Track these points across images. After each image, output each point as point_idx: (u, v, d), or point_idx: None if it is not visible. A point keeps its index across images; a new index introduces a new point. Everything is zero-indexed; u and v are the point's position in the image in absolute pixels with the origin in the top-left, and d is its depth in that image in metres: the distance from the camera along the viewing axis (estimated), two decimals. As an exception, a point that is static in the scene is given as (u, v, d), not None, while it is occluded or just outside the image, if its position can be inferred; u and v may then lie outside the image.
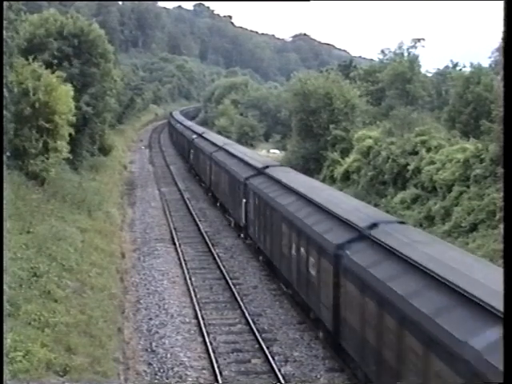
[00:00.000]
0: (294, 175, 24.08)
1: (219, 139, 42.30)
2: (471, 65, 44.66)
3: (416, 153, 31.38)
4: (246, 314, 18.02)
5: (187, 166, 51.02)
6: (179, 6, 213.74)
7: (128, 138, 69.36)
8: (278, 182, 22.33)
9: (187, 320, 17.69)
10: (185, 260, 23.80)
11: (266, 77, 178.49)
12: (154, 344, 15.88)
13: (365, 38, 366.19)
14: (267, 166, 25.78)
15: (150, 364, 14.79)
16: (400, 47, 56.40)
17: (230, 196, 29.18)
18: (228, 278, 21.41)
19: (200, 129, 54.23)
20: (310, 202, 18.21)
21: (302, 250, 16.85)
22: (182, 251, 25.01)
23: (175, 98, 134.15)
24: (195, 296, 19.59)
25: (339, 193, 20.95)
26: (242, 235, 26.52)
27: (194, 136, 48.17)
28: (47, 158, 23.99)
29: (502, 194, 18.97)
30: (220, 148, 36.38)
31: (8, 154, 19.80)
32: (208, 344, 15.81)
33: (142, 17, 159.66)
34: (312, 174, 36.58)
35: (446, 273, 10.37)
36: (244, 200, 25.11)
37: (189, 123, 65.43)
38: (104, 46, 33.35)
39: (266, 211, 21.61)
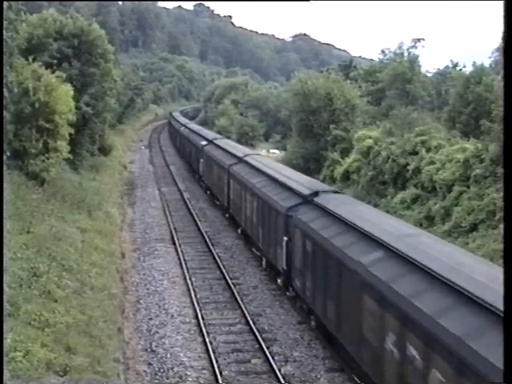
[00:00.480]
0: (360, 209, 16.76)
1: (238, 148, 35.59)
2: (474, 64, 44.64)
3: (416, 153, 31.39)
4: (246, 314, 18.02)
5: (187, 167, 50.94)
6: (179, 6, 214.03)
7: (128, 137, 69.37)
8: (340, 219, 15.60)
9: (187, 320, 17.69)
10: (185, 260, 23.79)
11: (266, 77, 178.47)
12: (154, 344, 15.87)
13: (365, 38, 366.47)
14: (316, 193, 18.88)
15: (150, 364, 14.78)
16: (400, 47, 56.41)
17: (260, 227, 22.76)
18: (228, 278, 21.40)
19: (211, 134, 47.68)
20: (413, 265, 11.25)
21: (413, 350, 9.97)
22: (182, 251, 25.01)
23: (175, 98, 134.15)
24: (195, 296, 19.58)
25: (454, 248, 13.37)
26: (279, 281, 20.21)
27: (204, 143, 41.40)
28: (47, 158, 23.98)
29: (501, 194, 18.96)
30: (241, 160, 29.84)
31: (8, 153, 19.78)
32: (208, 344, 15.81)
33: (142, 17, 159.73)
34: (312, 174, 36.57)
35: None
36: (285, 238, 18.67)
37: (196, 127, 61.44)
38: (104, 46, 33.28)
39: (326, 264, 14.91)
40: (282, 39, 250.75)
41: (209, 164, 37.18)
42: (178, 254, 24.72)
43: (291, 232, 18.39)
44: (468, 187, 26.28)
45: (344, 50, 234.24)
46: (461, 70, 52.91)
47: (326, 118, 42.46)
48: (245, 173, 26.79)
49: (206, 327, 17.01)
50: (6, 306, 12.06)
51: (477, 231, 23.74)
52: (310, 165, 41.80)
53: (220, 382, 13.91)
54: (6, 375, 9.71)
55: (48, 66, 26.51)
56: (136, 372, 14.20)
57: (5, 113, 18.40)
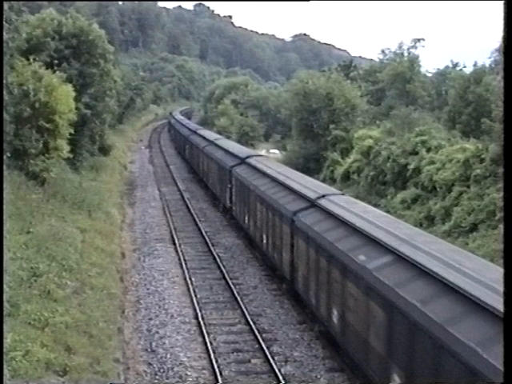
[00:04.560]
0: (272, 165, 27.42)
1: (212, 135, 44.76)
2: (475, 64, 44.62)
3: (416, 153, 31.39)
4: (246, 314, 18.01)
5: (187, 167, 50.96)
6: (179, 6, 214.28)
7: (128, 137, 69.34)
8: (257, 169, 26.20)
9: (187, 320, 17.68)
10: (185, 260, 23.78)
11: (266, 77, 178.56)
12: (153, 344, 15.86)
13: (365, 38, 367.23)
14: (248, 156, 30.22)
15: (150, 364, 14.77)
16: (400, 47, 56.53)
17: (217, 182, 31.68)
18: (228, 278, 21.40)
19: (195, 126, 55.84)
20: (288, 188, 21.14)
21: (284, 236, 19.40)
22: (182, 251, 25.00)
23: (175, 98, 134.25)
24: (195, 296, 19.57)
25: (321, 184, 23.52)
26: (227, 216, 29.49)
27: (189, 132, 50.43)
28: (48, 158, 23.95)
29: (501, 194, 18.95)
30: (211, 142, 39.33)
31: (8, 154, 19.76)
32: (208, 344, 15.80)
33: (142, 17, 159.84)
34: (312, 174, 36.56)
35: None
36: (229, 185, 29.80)
37: (186, 121, 65.77)
38: (104, 46, 33.18)
39: (247, 194, 25.89)
40: (282, 39, 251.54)
41: (191, 148, 48.14)
42: (177, 254, 24.71)
43: (232, 180, 28.17)
44: (468, 187, 26.26)
45: (344, 50, 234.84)
46: (461, 70, 52.94)
47: (326, 118, 42.49)
48: (212, 150, 37.24)
49: (206, 327, 17.00)
50: (6, 305, 12.06)
51: (477, 231, 23.73)
52: (310, 165, 41.81)
53: (220, 382, 13.90)
54: (6, 375, 9.72)
55: (47, 65, 26.45)
56: (136, 372, 14.20)
57: (5, 114, 18.38)
